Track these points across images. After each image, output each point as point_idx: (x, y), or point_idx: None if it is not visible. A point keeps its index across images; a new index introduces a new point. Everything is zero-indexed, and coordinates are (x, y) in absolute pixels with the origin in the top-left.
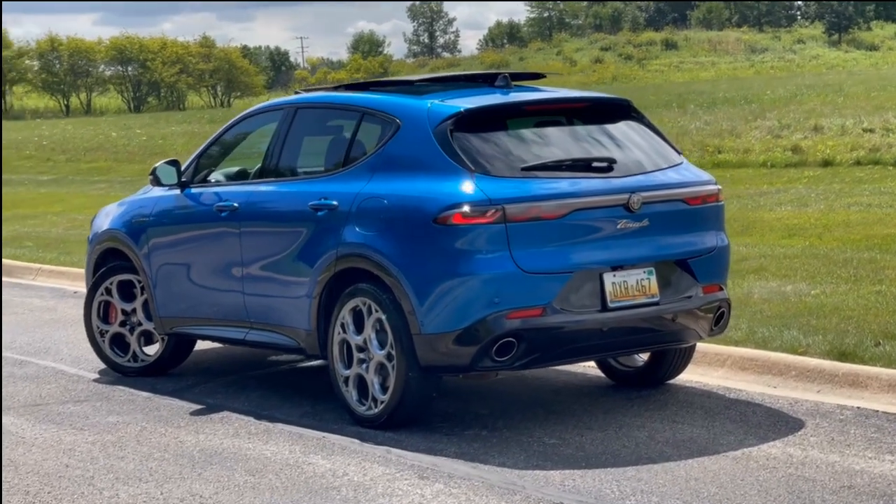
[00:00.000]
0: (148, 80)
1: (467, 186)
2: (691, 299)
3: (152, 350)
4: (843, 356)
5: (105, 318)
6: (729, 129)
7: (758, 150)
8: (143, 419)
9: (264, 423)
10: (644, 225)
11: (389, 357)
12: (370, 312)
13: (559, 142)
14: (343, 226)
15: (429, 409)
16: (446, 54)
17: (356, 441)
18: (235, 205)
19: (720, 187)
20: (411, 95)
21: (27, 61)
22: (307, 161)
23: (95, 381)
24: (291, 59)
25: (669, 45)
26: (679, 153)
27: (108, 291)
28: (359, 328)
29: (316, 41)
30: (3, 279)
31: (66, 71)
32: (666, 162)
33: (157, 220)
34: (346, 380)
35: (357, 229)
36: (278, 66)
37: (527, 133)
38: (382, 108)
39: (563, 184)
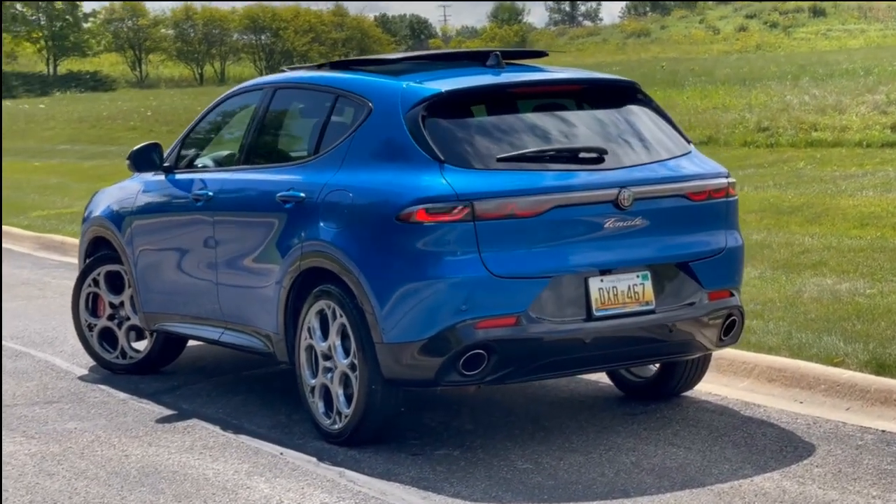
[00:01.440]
0: (280, 49)
1: (433, 180)
2: (694, 307)
3: (142, 346)
4: (881, 369)
5: (94, 311)
6: (834, 104)
7: (856, 128)
8: (104, 426)
9: (227, 435)
10: (637, 223)
11: (353, 367)
12: (334, 317)
13: (547, 129)
14: (309, 220)
15: (395, 425)
16: (587, 23)
17: (313, 460)
18: (210, 193)
19: (732, 180)
20: (388, 76)
21: (163, 30)
22: (282, 147)
23: (80, 378)
24: (434, 27)
25: (817, 13)
26: (689, 141)
27: (96, 282)
28: (325, 333)
29: (462, 8)
30: (57, 258)
31: (200, 40)
32: (670, 152)
33: (139, 207)
34: (313, 390)
35: (321, 225)
36: (417, 35)
37: (510, 119)
38: (355, 89)
39: (542, 177)
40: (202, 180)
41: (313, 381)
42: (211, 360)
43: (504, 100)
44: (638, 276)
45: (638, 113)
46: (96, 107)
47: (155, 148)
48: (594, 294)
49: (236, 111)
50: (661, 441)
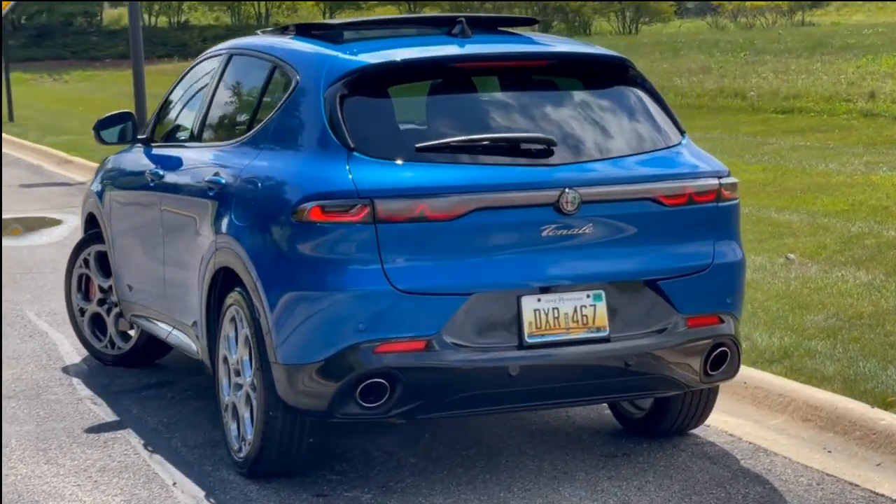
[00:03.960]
0: (554, 3)
1: (335, 172)
2: (665, 334)
3: (132, 335)
4: None
5: (86, 295)
6: None
7: None
8: (25, 434)
9: (139, 454)
10: (587, 231)
11: (254, 387)
12: (242, 326)
13: (495, 114)
14: (225, 211)
15: (299, 459)
16: None
17: (199, 496)
18: (161, 172)
19: (729, 181)
20: (329, 44)
21: None
22: (224, 123)
23: (63, 369)
24: None
25: None
26: (682, 132)
27: (87, 263)
28: (237, 344)
29: None
30: None
31: None
32: (649, 145)
33: (113, 184)
34: (227, 408)
35: (233, 217)
36: None
37: (453, 101)
38: (289, 59)
39: (463, 172)
40: (159, 157)
41: (227, 399)
42: None
43: (450, 76)
44: (588, 296)
45: (622, 96)
46: None
47: (125, 118)
48: (528, 316)
49: (204, 78)
50: (615, 496)
